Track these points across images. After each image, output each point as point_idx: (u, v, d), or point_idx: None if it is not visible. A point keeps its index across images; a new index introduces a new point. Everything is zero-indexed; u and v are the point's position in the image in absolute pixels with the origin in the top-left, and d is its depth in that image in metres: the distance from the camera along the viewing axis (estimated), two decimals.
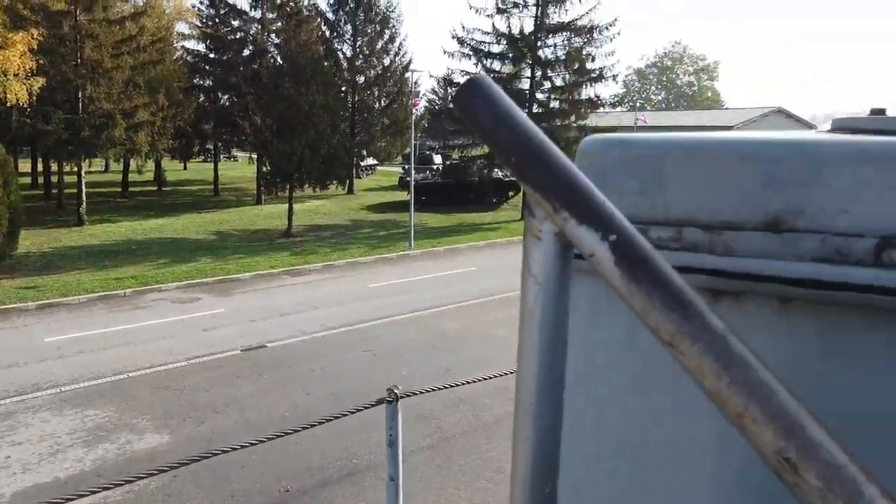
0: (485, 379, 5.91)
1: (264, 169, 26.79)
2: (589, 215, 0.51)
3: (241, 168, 51.34)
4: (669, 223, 0.84)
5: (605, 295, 0.92)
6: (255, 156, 35.58)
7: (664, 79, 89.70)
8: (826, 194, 0.75)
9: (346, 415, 4.89)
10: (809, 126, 60.11)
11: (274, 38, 34.33)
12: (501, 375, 5.79)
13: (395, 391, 4.83)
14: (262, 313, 14.36)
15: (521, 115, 0.56)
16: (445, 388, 5.80)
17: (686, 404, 0.84)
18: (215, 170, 38.43)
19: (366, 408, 5.03)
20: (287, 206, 24.48)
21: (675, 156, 0.85)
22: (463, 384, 5.94)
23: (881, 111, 1.51)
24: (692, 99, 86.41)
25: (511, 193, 33.25)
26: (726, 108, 70.17)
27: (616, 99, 66.18)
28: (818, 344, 0.78)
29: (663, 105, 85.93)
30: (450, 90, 42.22)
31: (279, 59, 29.47)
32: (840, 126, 1.29)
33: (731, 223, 0.80)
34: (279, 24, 33.89)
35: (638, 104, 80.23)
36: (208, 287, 16.83)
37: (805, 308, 0.78)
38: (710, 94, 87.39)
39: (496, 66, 30.02)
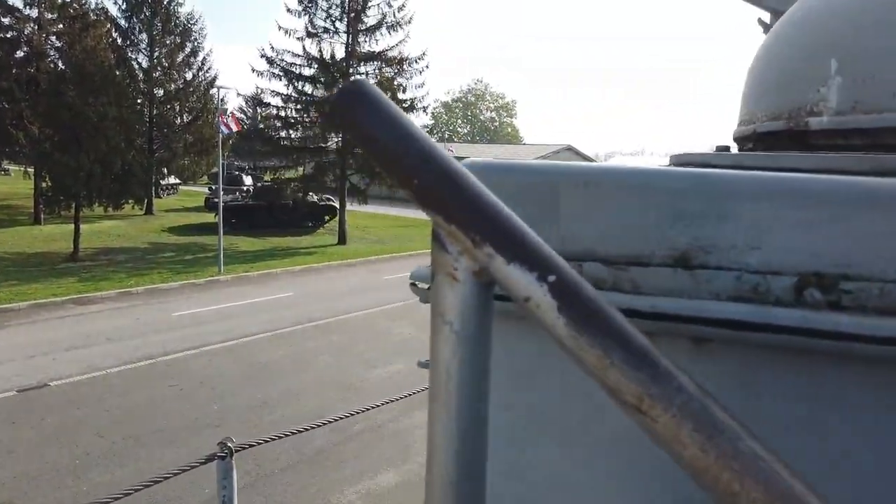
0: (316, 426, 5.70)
1: (44, 185, 23.75)
2: (521, 251, 0.44)
3: (13, 182, 45.09)
4: (567, 257, 0.76)
5: (530, 346, 0.81)
6: (31, 169, 31.45)
7: (469, 113, 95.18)
8: (736, 230, 0.71)
9: (167, 477, 4.29)
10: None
11: (55, 41, 30.83)
12: (348, 416, 5.59)
13: (230, 444, 4.19)
14: (42, 348, 12.57)
15: (421, 131, 0.48)
16: (296, 432, 5.45)
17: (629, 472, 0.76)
18: None
19: (193, 467, 4.38)
20: (73, 226, 21.86)
21: (571, 184, 0.79)
22: (307, 429, 5.65)
23: (726, 148, 1.64)
24: (494, 133, 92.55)
25: (327, 217, 32.81)
26: (524, 144, 76.07)
27: (427, 129, 68.68)
28: (737, 386, 0.74)
29: (468, 138, 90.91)
30: (259, 110, 40.97)
31: (61, 65, 26.49)
32: (681, 161, 1.36)
33: (636, 258, 0.74)
34: (61, 25, 30.55)
35: (446, 135, 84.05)
36: None
37: (722, 349, 0.73)
38: (509, 130, 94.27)
39: (308, 89, 29.67)
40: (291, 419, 9.67)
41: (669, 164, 1.48)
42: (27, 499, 7.23)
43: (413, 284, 1.08)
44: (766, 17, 4.46)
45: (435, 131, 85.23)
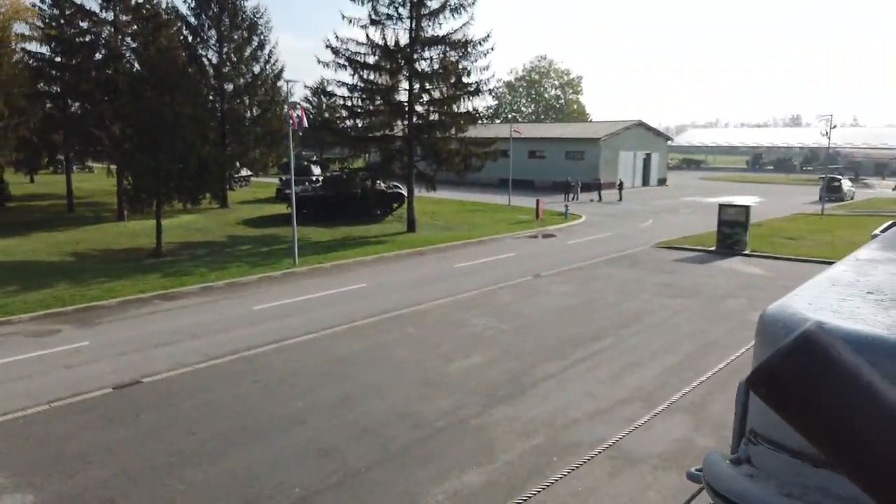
0: None
1: (126, 184, 24.70)
2: None
3: (97, 180, 47.41)
4: None
5: None
6: (113, 167, 32.91)
7: (532, 92, 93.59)
8: None
9: None
10: (666, 137, 64.88)
11: (130, 42, 31.98)
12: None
13: None
14: (134, 345, 13.08)
15: None
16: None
17: None
18: (68, 183, 35.19)
19: None
20: (155, 222, 22.71)
21: None
22: None
23: None
24: (560, 111, 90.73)
25: (395, 205, 32.98)
26: (592, 121, 74.27)
27: (491, 111, 68.04)
28: None
29: (533, 117, 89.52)
30: (323, 99, 41.36)
31: (137, 65, 27.42)
32: None
33: None
34: (135, 27, 31.64)
35: (510, 116, 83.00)
36: (68, 317, 15.14)
37: None
38: (575, 107, 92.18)
39: (372, 77, 29.67)
40: (374, 415, 9.70)
41: None
42: (128, 498, 7.48)
43: (695, 478, 0.87)
44: None
45: (500, 112, 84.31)
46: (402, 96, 29.38)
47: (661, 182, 60.55)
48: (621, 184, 47.47)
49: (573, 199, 43.50)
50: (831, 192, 44.07)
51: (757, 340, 0.97)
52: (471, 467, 8.16)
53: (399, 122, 29.76)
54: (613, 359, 12.23)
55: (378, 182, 31.57)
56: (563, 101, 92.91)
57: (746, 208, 24.83)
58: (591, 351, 12.69)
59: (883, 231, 3.42)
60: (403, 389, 10.71)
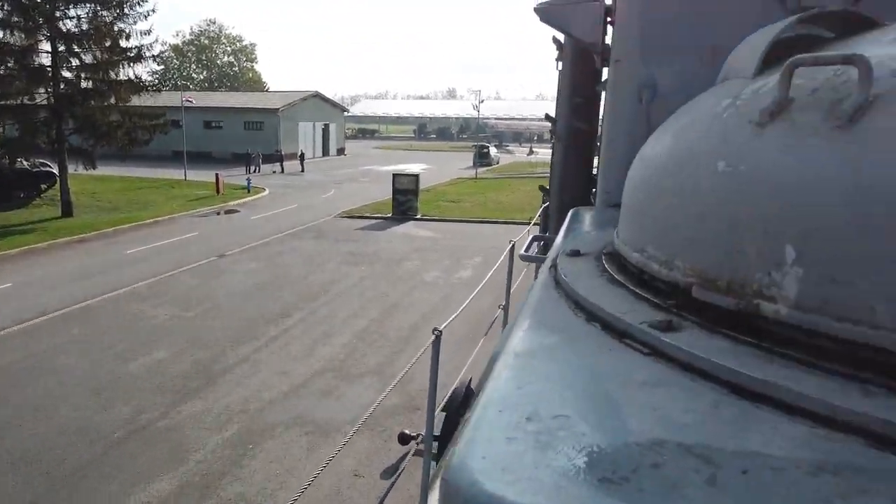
0: None
1: None
2: None
3: None
4: None
5: None
6: None
7: (203, 58, 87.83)
8: None
9: None
10: (343, 108, 66.77)
11: None
12: None
13: None
14: None
15: None
16: None
17: None
18: None
19: None
20: None
21: None
22: None
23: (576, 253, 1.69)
24: (235, 79, 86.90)
25: (44, 186, 28.37)
26: (269, 91, 72.79)
27: (157, 78, 62.07)
28: None
29: (206, 84, 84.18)
30: None
31: None
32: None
33: None
34: None
35: (180, 83, 76.83)
36: None
37: None
38: (251, 76, 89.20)
39: (2, 35, 24.80)
40: (37, 439, 8.44)
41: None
42: None
43: None
44: (562, 36, 4.60)
45: (167, 79, 77.34)
46: (45, 59, 25.20)
47: (340, 152, 62.56)
48: (302, 154, 47.87)
49: (255, 171, 42.48)
50: (482, 158, 50.64)
51: None
52: (159, 475, 7.67)
53: (42, 90, 25.48)
54: (305, 332, 12.48)
55: (19, 160, 26.73)
56: (237, 68, 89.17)
57: (416, 177, 27.23)
58: (283, 328, 12.76)
59: (526, 249, 3.37)
60: (73, 402, 9.50)
